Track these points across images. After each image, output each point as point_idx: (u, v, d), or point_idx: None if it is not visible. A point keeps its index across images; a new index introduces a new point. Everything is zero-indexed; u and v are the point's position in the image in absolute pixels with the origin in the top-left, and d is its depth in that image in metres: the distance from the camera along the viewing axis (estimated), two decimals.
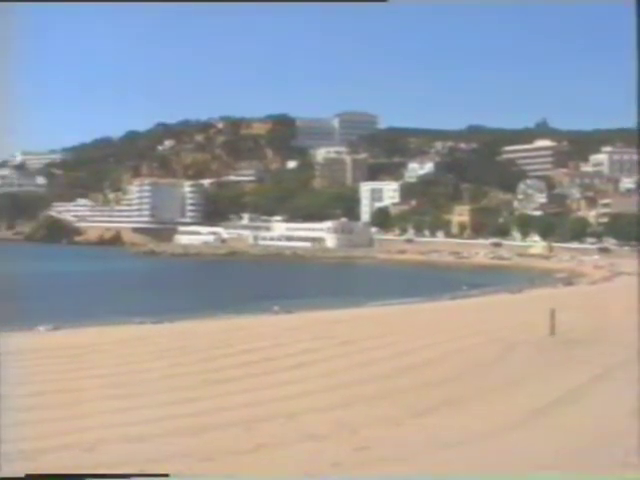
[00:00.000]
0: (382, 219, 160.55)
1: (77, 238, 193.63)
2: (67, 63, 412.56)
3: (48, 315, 45.16)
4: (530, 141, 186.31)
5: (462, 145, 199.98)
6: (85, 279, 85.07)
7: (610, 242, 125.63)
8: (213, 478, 12.48)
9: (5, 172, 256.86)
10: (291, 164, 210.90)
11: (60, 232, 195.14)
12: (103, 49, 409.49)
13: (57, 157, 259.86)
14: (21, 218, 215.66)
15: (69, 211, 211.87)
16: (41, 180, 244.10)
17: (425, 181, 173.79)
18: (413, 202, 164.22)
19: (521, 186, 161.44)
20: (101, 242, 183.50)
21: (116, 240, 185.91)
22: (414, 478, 12.62)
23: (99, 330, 39.16)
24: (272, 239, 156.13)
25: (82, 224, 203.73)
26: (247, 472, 12.76)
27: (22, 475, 9.91)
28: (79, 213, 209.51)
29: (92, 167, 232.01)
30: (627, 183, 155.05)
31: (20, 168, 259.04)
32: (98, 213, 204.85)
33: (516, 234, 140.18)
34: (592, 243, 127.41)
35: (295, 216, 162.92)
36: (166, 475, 11.18)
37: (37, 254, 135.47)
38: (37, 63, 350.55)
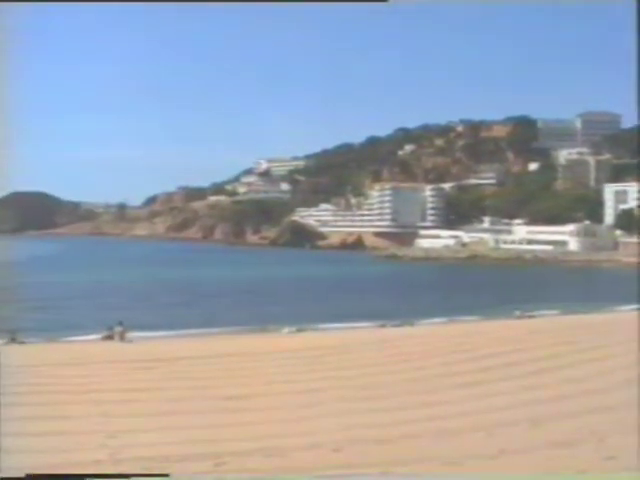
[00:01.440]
0: (627, 222, 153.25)
1: (320, 242, 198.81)
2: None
3: (293, 317, 46.85)
4: None
5: None
6: (327, 283, 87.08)
7: None
8: (213, 478, 12.36)
9: (251, 179, 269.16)
10: (532, 166, 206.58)
11: (303, 237, 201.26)
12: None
13: (300, 164, 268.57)
14: (266, 223, 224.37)
15: (312, 216, 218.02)
16: (285, 186, 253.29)
17: None
18: None
19: None
20: (343, 246, 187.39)
21: (358, 244, 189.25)
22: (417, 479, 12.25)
23: (341, 333, 40.02)
24: (513, 242, 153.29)
25: (325, 229, 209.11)
26: (255, 473, 12.55)
27: (22, 475, 10.08)
28: (322, 218, 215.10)
29: (334, 173, 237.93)
30: None
31: (265, 175, 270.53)
32: (340, 218, 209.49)
33: None
34: None
35: (536, 219, 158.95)
36: (166, 475, 11.21)
37: (281, 258, 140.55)
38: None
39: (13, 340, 38.27)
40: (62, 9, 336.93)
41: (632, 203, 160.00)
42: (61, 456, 13.09)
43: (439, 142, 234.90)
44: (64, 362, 27.72)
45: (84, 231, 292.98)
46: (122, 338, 37.73)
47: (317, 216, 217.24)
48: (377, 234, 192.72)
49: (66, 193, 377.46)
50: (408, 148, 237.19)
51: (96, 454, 13.29)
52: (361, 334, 38.79)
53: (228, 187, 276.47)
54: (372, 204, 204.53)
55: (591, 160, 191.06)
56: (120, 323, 39.25)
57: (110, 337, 38.02)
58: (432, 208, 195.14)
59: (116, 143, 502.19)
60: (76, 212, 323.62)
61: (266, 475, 12.02)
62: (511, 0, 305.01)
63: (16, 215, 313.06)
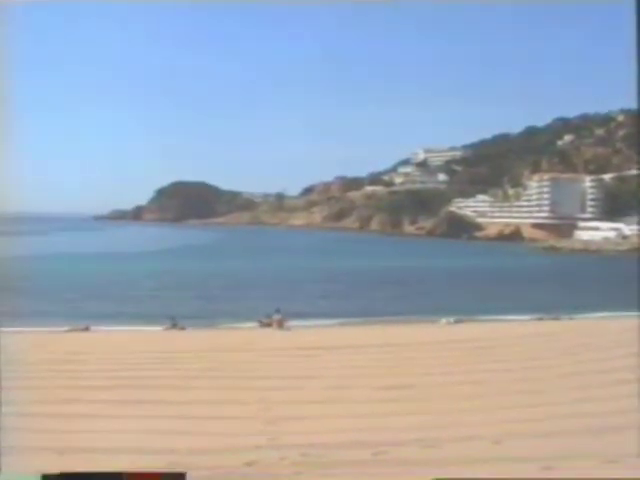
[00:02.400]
0: None
1: (477, 234, 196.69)
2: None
3: (450, 309, 46.58)
4: None
5: None
6: (485, 274, 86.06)
7: None
8: (214, 478, 11.97)
9: (408, 169, 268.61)
10: None
11: (460, 227, 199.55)
12: None
13: (457, 154, 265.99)
14: (423, 214, 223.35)
15: (469, 207, 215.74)
16: (442, 177, 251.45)
17: None
18: None
19: None
20: (500, 238, 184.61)
21: (515, 236, 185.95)
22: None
23: (500, 325, 39.49)
24: None
25: (482, 220, 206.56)
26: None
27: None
28: (479, 209, 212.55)
29: (491, 163, 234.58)
30: None
31: (422, 165, 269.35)
32: (497, 209, 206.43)
33: None
34: None
35: None
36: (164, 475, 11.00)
37: (438, 249, 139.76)
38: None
39: (174, 326, 39.69)
40: None
41: None
42: (224, 440, 13.42)
43: (599, 132, 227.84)
44: (225, 348, 28.49)
45: (243, 220, 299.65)
46: (280, 326, 38.40)
47: (474, 207, 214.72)
48: (535, 225, 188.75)
49: (225, 183, 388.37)
50: (567, 138, 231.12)
51: (256, 440, 13.54)
52: (519, 327, 38.12)
53: (385, 177, 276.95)
54: (530, 195, 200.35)
55: None
56: (278, 311, 39.99)
57: (268, 324, 38.76)
58: (591, 199, 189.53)
59: (280, 137, 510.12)
60: (235, 201, 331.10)
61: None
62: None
63: (178, 204, 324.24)
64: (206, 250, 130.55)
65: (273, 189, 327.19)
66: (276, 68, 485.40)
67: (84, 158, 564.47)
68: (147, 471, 10.55)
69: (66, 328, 38.34)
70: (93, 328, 38.87)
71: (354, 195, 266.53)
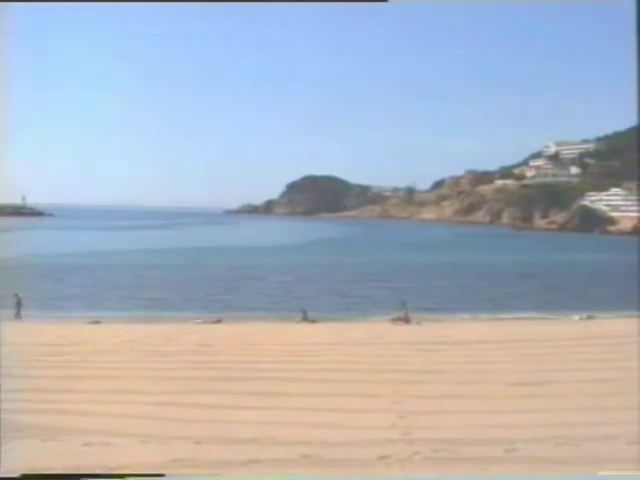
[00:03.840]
0: None
1: (610, 228, 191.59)
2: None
3: (580, 304, 45.62)
4: None
5: None
6: (619, 270, 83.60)
7: None
8: (214, 478, 11.62)
9: (539, 162, 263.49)
10: None
11: (593, 221, 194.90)
12: None
13: (590, 147, 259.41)
14: (554, 208, 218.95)
15: (602, 200, 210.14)
16: (574, 170, 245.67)
17: None
18: None
19: None
20: (635, 232, 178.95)
21: None
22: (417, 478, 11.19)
23: (630, 321, 38.32)
24: None
25: (615, 214, 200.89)
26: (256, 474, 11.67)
27: (18, 475, 9.91)
28: (612, 202, 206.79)
29: (625, 156, 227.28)
30: None
31: (554, 158, 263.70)
32: (632, 202, 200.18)
33: None
34: None
35: None
36: (162, 475, 10.77)
37: (570, 244, 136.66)
38: None
39: (305, 319, 40.24)
40: None
41: None
42: (357, 433, 13.55)
43: None
44: (355, 341, 28.73)
45: (372, 214, 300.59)
46: (408, 320, 38.44)
47: (607, 201, 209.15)
48: None
49: (355, 177, 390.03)
50: None
51: (388, 433, 13.63)
52: None
53: (515, 171, 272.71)
54: None
55: None
56: (404, 305, 40.10)
57: (399, 319, 38.84)
58: None
59: (409, 131, 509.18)
60: (365, 195, 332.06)
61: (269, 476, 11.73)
62: None
63: (309, 198, 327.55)
64: (336, 244, 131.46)
65: (403, 183, 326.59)
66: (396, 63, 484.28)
67: (214, 155, 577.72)
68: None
69: (199, 320, 39.44)
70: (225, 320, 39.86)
71: (484, 189, 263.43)
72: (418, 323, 37.90)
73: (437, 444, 12.80)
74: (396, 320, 38.61)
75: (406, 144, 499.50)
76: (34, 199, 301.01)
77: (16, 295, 42.35)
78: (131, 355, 24.25)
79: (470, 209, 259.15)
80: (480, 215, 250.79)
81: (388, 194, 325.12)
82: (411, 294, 50.07)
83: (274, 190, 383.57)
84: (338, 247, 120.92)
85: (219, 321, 39.34)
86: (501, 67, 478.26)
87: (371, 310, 45.94)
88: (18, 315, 41.11)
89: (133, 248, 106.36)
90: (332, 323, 38.28)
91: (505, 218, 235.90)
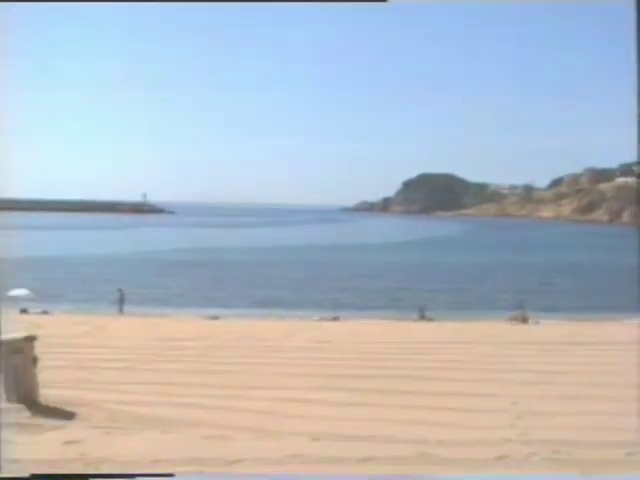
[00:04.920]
0: None
1: None
2: None
3: None
4: None
5: None
6: None
7: None
8: (218, 478, 11.06)
9: None
10: None
11: None
12: None
13: None
14: None
15: None
16: None
17: None
18: None
19: None
20: None
21: None
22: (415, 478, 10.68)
23: None
24: None
25: None
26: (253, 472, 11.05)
27: (27, 474, 9.65)
28: None
29: None
30: None
31: None
32: None
33: None
34: None
35: None
36: (171, 475, 10.32)
37: None
38: None
39: (422, 317, 40.11)
40: None
41: None
42: (474, 433, 13.39)
43: None
44: (471, 340, 28.41)
45: (490, 212, 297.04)
46: (524, 320, 37.92)
47: None
48: None
49: (473, 174, 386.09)
50: None
51: (506, 433, 13.43)
52: None
53: (637, 168, 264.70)
54: None
55: None
56: (521, 305, 39.60)
57: (516, 318, 38.34)
58: None
59: (523, 128, 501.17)
60: (482, 193, 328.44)
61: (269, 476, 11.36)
62: None
63: (425, 196, 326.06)
64: (451, 242, 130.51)
65: (520, 181, 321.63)
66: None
67: (332, 153, 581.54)
68: None
69: (316, 317, 39.75)
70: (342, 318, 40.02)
71: (604, 187, 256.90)
72: (536, 323, 37.28)
73: (555, 445, 12.54)
74: (513, 320, 38.08)
75: (522, 142, 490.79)
76: (156, 197, 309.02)
77: (119, 290, 43.62)
78: (249, 351, 24.58)
79: (589, 207, 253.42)
80: (599, 214, 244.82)
81: (505, 192, 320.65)
82: (528, 294, 49.30)
83: (391, 187, 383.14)
84: (453, 246, 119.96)
85: (336, 318, 39.53)
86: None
87: (487, 310, 45.43)
88: (120, 311, 42.17)
89: (248, 245, 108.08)
90: (449, 322, 37.96)
91: (626, 217, 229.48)
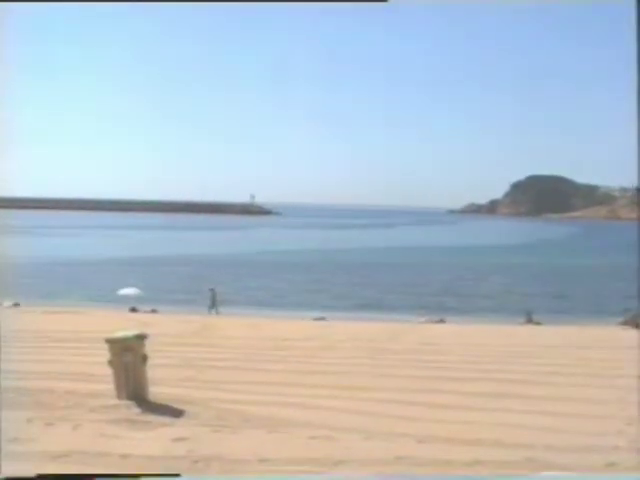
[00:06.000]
0: None
1: None
2: None
3: None
4: None
5: None
6: None
7: None
8: (224, 478, 10.57)
9: None
10: None
11: None
12: None
13: None
14: None
15: None
16: None
17: None
18: None
19: None
20: None
21: None
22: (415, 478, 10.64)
23: None
24: None
25: None
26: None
27: (33, 475, 9.47)
28: None
29: None
30: None
31: None
32: None
33: None
34: None
35: None
36: (177, 475, 9.95)
37: None
38: None
39: (529, 321, 39.64)
40: None
41: None
42: (582, 439, 13.22)
43: None
44: (579, 345, 27.93)
45: (599, 215, 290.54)
46: (638, 325, 36.94)
47: None
48: None
49: (582, 176, 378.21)
50: None
51: (615, 440, 13.20)
52: None
53: None
54: None
55: None
56: (628, 310, 38.76)
57: (628, 323, 37.41)
58: None
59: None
60: (592, 196, 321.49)
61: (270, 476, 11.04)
62: None
63: (533, 198, 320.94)
64: (560, 245, 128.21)
65: (631, 182, 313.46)
66: None
67: (439, 153, 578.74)
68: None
69: (423, 319, 39.66)
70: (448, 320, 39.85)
71: None
72: None
73: None
74: (625, 324, 37.18)
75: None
76: (264, 198, 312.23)
77: (211, 290, 43.47)
78: (356, 352, 24.69)
79: None
80: None
81: (616, 194, 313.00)
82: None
83: (498, 189, 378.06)
84: (560, 248, 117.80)
85: (442, 321, 39.37)
86: None
87: (595, 314, 44.51)
88: (213, 310, 42.03)
89: (353, 247, 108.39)
90: (557, 326, 37.33)
91: None
